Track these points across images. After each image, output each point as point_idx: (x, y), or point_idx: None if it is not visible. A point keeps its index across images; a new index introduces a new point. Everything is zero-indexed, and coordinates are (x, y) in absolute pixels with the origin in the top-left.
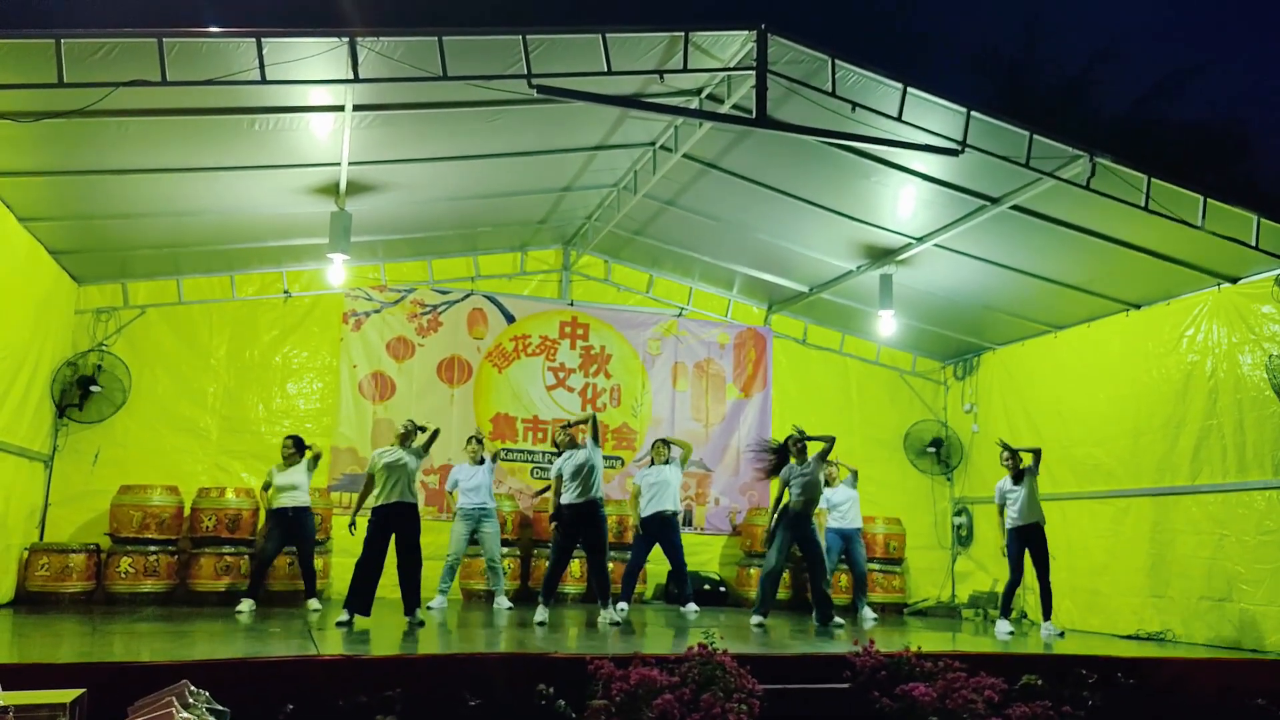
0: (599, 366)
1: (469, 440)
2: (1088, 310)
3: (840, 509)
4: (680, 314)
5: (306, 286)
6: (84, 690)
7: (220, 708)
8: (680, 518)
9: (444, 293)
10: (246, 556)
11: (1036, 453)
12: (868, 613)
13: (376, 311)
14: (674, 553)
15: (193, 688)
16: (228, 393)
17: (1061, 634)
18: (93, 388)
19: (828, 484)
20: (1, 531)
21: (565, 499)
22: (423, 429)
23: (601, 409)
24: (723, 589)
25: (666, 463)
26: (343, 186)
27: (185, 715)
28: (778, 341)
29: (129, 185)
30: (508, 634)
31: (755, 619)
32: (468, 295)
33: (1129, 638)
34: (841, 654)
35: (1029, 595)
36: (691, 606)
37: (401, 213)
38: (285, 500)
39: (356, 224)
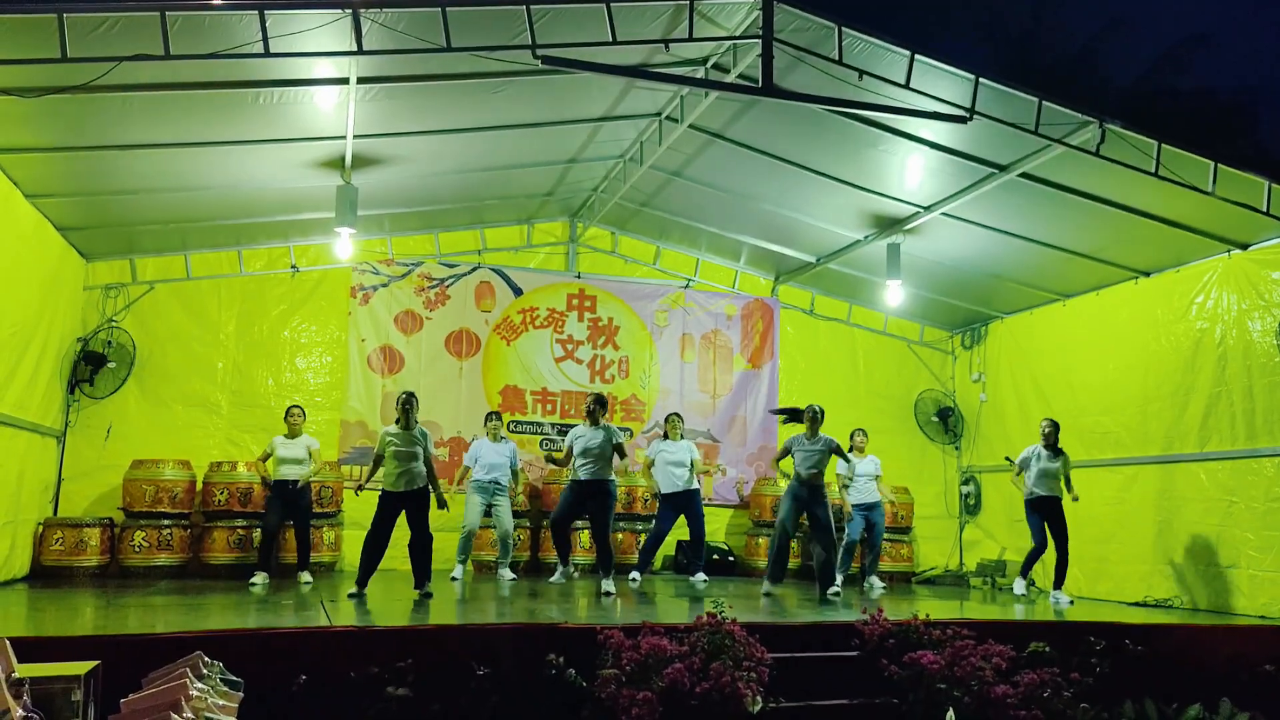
0: (607, 338)
1: (488, 418)
2: (1097, 278)
3: (860, 482)
4: (687, 285)
5: (314, 261)
6: (98, 662)
7: (234, 678)
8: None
9: (451, 266)
10: (258, 530)
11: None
12: (876, 581)
13: (384, 285)
14: (698, 524)
15: (206, 659)
16: (237, 367)
17: (1071, 601)
18: (108, 364)
19: (854, 452)
20: (15, 506)
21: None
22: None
23: (609, 381)
24: (731, 559)
25: (682, 436)
26: (348, 160)
27: (199, 686)
28: (785, 312)
29: (135, 160)
30: (518, 605)
31: (764, 587)
32: (475, 268)
33: (1137, 605)
34: (850, 622)
35: (1037, 563)
36: (700, 576)
37: (407, 186)
38: (288, 472)
39: (363, 198)
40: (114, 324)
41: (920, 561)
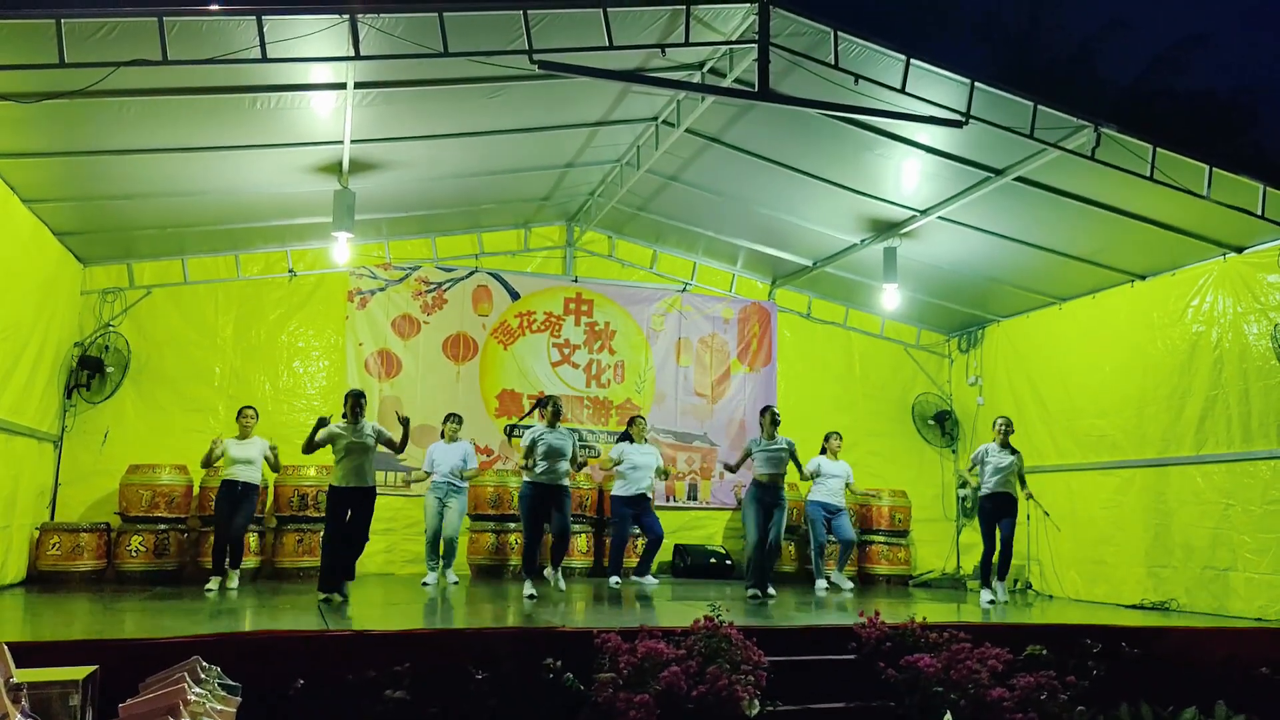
0: (603, 342)
1: (448, 418)
2: (1093, 281)
3: (829, 483)
4: (684, 289)
5: (311, 265)
6: (96, 667)
7: (231, 683)
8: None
9: (448, 270)
10: (255, 534)
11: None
12: (843, 581)
13: (381, 290)
14: (657, 526)
15: (204, 663)
16: (234, 372)
17: (1006, 599)
18: (105, 369)
19: (827, 454)
20: (12, 511)
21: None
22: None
23: (606, 385)
24: (728, 562)
25: (646, 440)
26: (345, 165)
27: (197, 691)
28: (782, 316)
29: (132, 165)
30: (515, 608)
31: (749, 591)
32: (472, 273)
33: (1133, 607)
34: (847, 626)
35: (1032, 565)
36: (650, 579)
37: (405, 190)
38: (238, 473)
39: (360, 202)
40: (111, 329)
41: (917, 564)
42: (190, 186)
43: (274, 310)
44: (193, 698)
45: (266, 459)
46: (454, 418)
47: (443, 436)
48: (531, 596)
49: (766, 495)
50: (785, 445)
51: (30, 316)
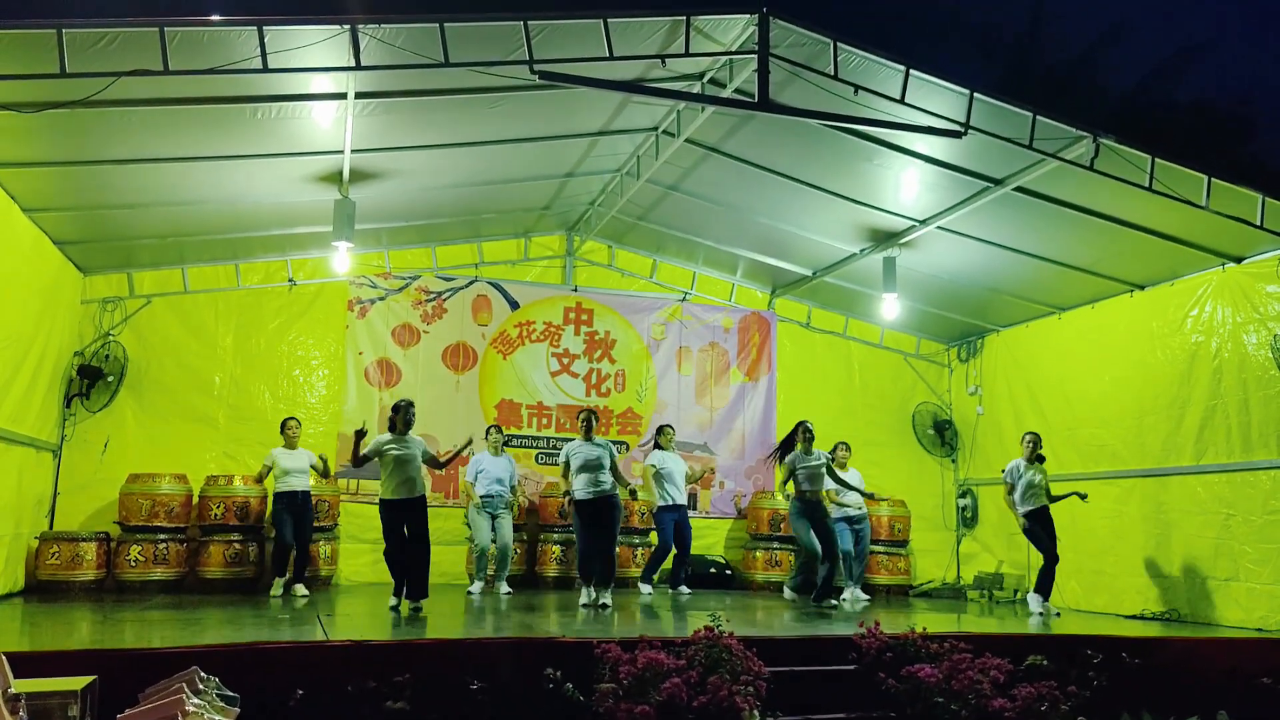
0: (603, 352)
1: (489, 430)
2: (1092, 291)
3: (847, 494)
4: (684, 299)
5: (311, 274)
6: (95, 677)
7: (230, 693)
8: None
9: (448, 279)
10: (253, 544)
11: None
12: (859, 594)
13: (381, 299)
14: (689, 536)
15: (203, 674)
16: (235, 381)
17: (1058, 614)
18: (107, 378)
19: (841, 467)
20: (11, 520)
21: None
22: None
23: (606, 394)
24: (729, 572)
25: (673, 449)
26: (346, 174)
27: (196, 701)
28: (782, 325)
29: (133, 175)
30: (515, 619)
31: (824, 603)
32: (472, 282)
33: (1134, 618)
34: (848, 636)
35: (1031, 574)
36: (683, 588)
37: (405, 200)
38: (295, 483)
39: (360, 212)
40: (111, 338)
41: (917, 574)
42: (191, 196)
43: (274, 319)
44: (191, 708)
45: (315, 468)
46: (497, 429)
47: (490, 449)
48: (586, 606)
49: (815, 511)
50: (823, 460)
51: (30, 325)
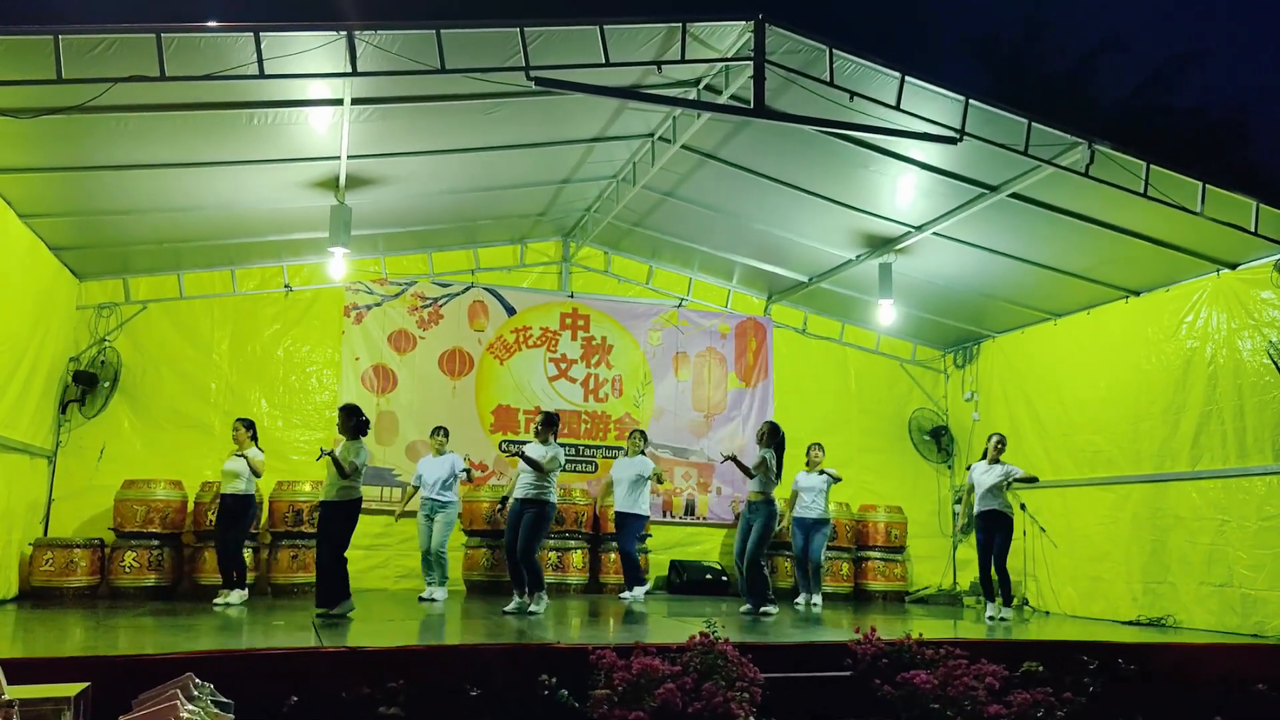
0: (600, 357)
1: (435, 431)
2: (1087, 297)
3: (806, 496)
4: (680, 304)
5: (307, 280)
6: (88, 684)
7: (224, 700)
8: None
9: (444, 285)
10: (249, 551)
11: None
12: (817, 602)
13: (377, 305)
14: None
15: (197, 680)
16: (230, 387)
17: (1005, 619)
18: (103, 384)
19: (809, 466)
20: (4, 526)
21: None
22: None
23: (603, 400)
24: (724, 578)
25: (640, 454)
26: (342, 180)
27: (189, 708)
28: (778, 331)
29: (129, 181)
30: (510, 625)
31: (743, 608)
32: (468, 288)
33: (1130, 624)
34: (843, 642)
35: (1029, 581)
36: (638, 591)
37: (401, 206)
38: (226, 486)
39: (356, 218)
40: (106, 344)
41: (914, 581)
42: (187, 202)
43: (270, 325)
44: (185, 715)
45: (253, 470)
46: (441, 430)
47: (432, 450)
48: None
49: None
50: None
51: (25, 331)
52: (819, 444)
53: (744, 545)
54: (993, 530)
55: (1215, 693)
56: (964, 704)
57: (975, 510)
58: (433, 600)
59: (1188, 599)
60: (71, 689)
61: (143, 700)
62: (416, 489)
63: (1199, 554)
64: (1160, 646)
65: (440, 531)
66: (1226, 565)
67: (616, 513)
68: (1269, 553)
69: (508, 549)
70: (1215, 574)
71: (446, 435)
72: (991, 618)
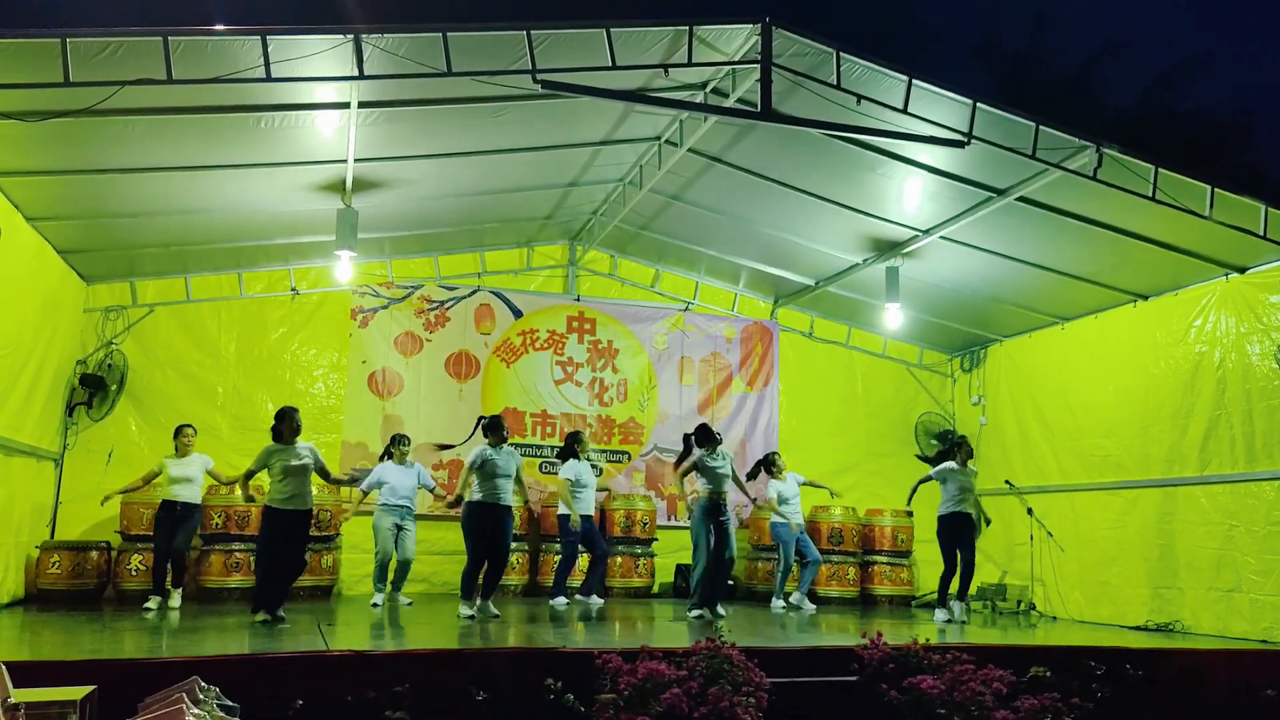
0: (606, 361)
1: (398, 441)
2: (1095, 301)
3: (792, 503)
4: (687, 308)
5: (314, 284)
6: (94, 687)
7: (230, 703)
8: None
9: (451, 289)
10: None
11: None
12: (807, 604)
13: (384, 308)
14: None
15: (203, 684)
16: (237, 390)
17: (966, 620)
18: (109, 387)
19: (775, 475)
20: (10, 530)
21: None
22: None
23: (609, 403)
24: (731, 582)
25: (589, 458)
26: (349, 183)
27: (195, 712)
28: (784, 335)
29: (136, 184)
30: (515, 629)
31: (694, 613)
32: (475, 291)
33: (1137, 629)
34: (849, 647)
35: (1036, 585)
36: (593, 597)
37: (408, 209)
38: (177, 493)
39: (363, 221)
40: (113, 347)
41: (921, 585)
42: (194, 205)
43: (277, 329)
44: (191, 718)
45: (212, 474)
46: (403, 439)
47: (391, 458)
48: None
49: (710, 513)
50: (726, 456)
51: (32, 334)
52: (776, 452)
53: (722, 551)
54: (963, 533)
55: (1223, 698)
56: (971, 709)
57: (945, 511)
58: (408, 604)
59: (1196, 604)
60: (78, 692)
61: (149, 704)
62: (365, 494)
63: (1207, 559)
64: (1168, 652)
65: (413, 540)
66: (1235, 570)
67: (585, 516)
68: (1277, 558)
69: (490, 554)
70: (1224, 579)
71: (409, 444)
72: (949, 620)
